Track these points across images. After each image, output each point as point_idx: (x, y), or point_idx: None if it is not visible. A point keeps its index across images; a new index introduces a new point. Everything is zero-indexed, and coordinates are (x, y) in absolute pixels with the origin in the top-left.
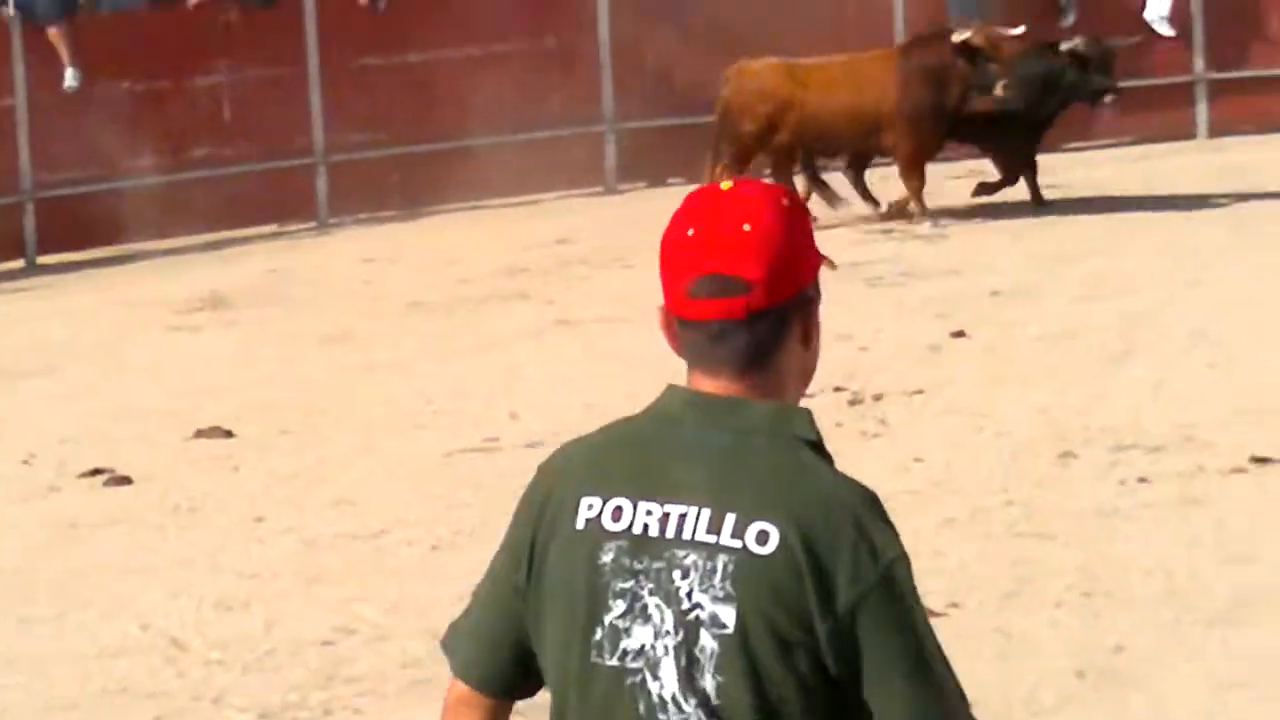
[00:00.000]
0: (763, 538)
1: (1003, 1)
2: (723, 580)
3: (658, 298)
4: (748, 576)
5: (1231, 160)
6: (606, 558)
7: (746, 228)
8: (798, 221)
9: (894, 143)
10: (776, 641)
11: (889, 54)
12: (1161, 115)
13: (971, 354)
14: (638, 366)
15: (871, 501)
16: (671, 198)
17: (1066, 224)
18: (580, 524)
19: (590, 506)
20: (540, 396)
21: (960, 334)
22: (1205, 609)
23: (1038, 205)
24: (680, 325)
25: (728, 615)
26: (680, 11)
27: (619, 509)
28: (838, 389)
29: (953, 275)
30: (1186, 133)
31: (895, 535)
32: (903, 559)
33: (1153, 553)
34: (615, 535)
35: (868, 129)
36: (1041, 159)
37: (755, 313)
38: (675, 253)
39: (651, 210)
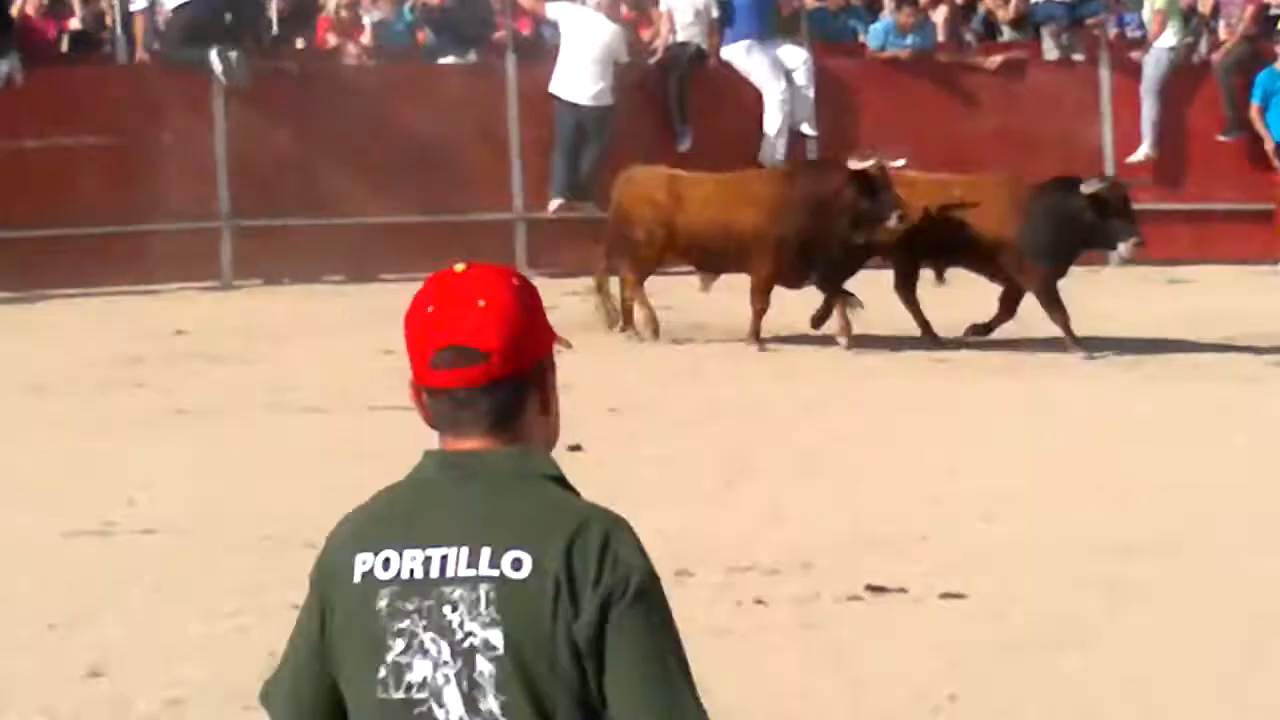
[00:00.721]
0: (517, 564)
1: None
2: (487, 607)
3: (270, 391)
4: (507, 600)
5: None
6: (382, 603)
7: (482, 303)
8: (529, 299)
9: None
10: (543, 656)
11: (775, 175)
12: None
13: (587, 469)
14: (253, 457)
15: (620, 523)
16: (286, 295)
17: (684, 345)
18: (357, 579)
19: (364, 562)
20: (157, 483)
21: (577, 448)
22: None
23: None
24: (428, 395)
25: (496, 638)
26: (300, 115)
27: (388, 560)
28: None
29: (568, 390)
30: None
31: (643, 554)
32: (650, 574)
33: (769, 674)
34: (387, 583)
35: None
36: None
37: (495, 380)
38: (417, 329)
39: (265, 305)
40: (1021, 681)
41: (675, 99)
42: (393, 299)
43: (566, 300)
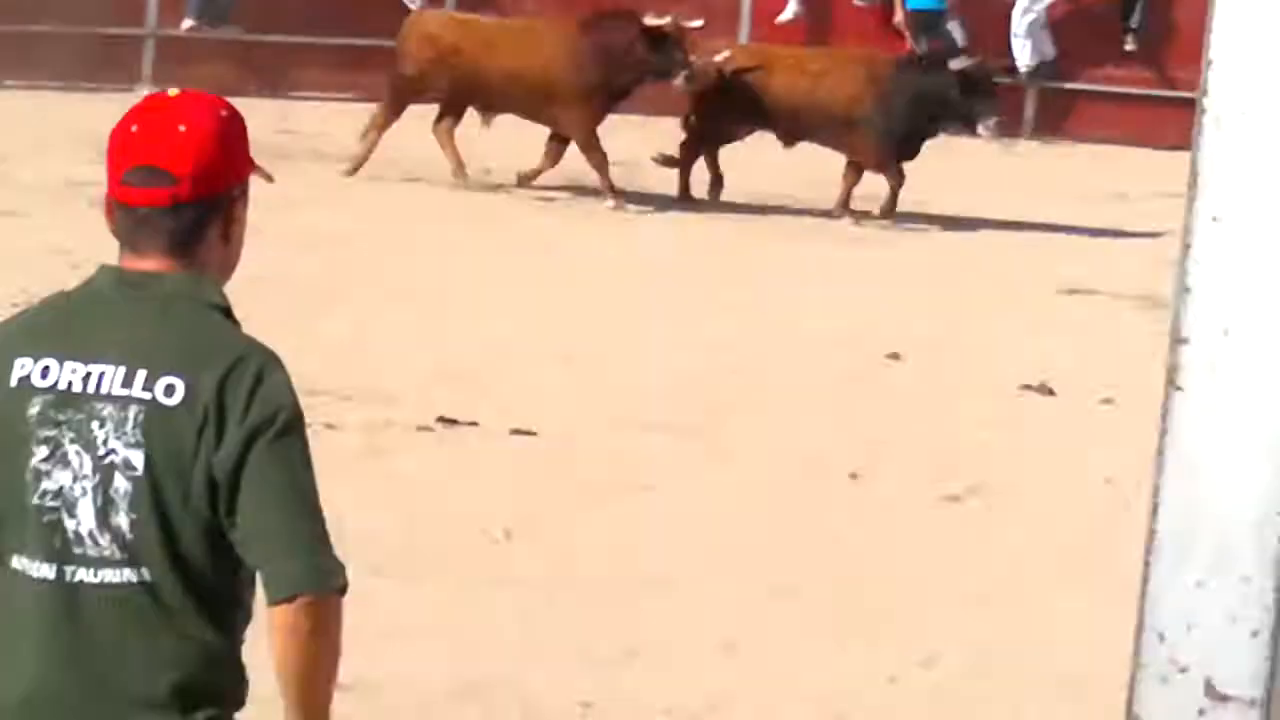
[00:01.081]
0: (170, 390)
1: None
2: (133, 428)
3: None
4: (154, 424)
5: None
6: (33, 410)
7: (182, 128)
8: (231, 130)
9: (560, 116)
10: (180, 483)
11: (566, 23)
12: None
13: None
14: None
15: (274, 360)
16: None
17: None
18: (14, 382)
19: (22, 366)
20: None
21: None
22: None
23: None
24: (116, 208)
25: (137, 459)
26: None
27: (46, 368)
28: None
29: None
30: None
31: (292, 392)
32: (297, 413)
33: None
34: (42, 391)
35: (531, 94)
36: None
37: (180, 203)
38: (117, 145)
39: None
40: (580, 521)
41: None
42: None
43: None
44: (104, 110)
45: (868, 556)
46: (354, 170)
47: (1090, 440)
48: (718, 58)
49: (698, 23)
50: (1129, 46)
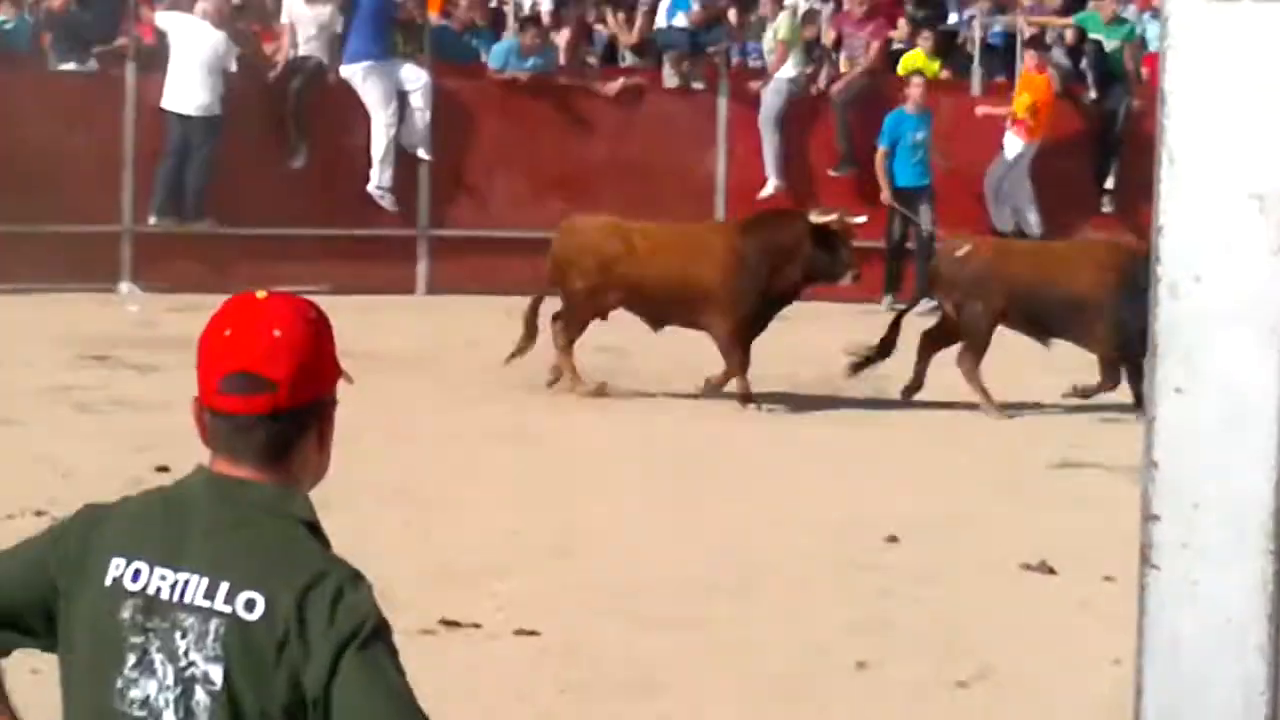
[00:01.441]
0: (250, 605)
1: None
2: (214, 642)
3: None
4: (235, 639)
5: (448, 317)
6: (125, 614)
7: (277, 333)
8: (323, 334)
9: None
10: (260, 700)
11: (727, 226)
12: (384, 269)
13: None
14: None
15: (355, 575)
16: None
17: None
18: (109, 581)
19: (117, 565)
20: None
21: (164, 469)
22: None
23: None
24: (210, 416)
25: (216, 674)
26: None
27: (138, 571)
28: (39, 513)
29: (162, 409)
30: (405, 287)
31: (375, 605)
32: (383, 621)
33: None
34: (133, 595)
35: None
36: None
37: (279, 410)
38: (211, 350)
39: None
40: None
41: (292, 114)
42: None
43: (168, 317)
44: (85, 311)
45: None
46: (553, 382)
47: (1094, 620)
48: (958, 254)
49: (861, 218)
50: (1106, 208)
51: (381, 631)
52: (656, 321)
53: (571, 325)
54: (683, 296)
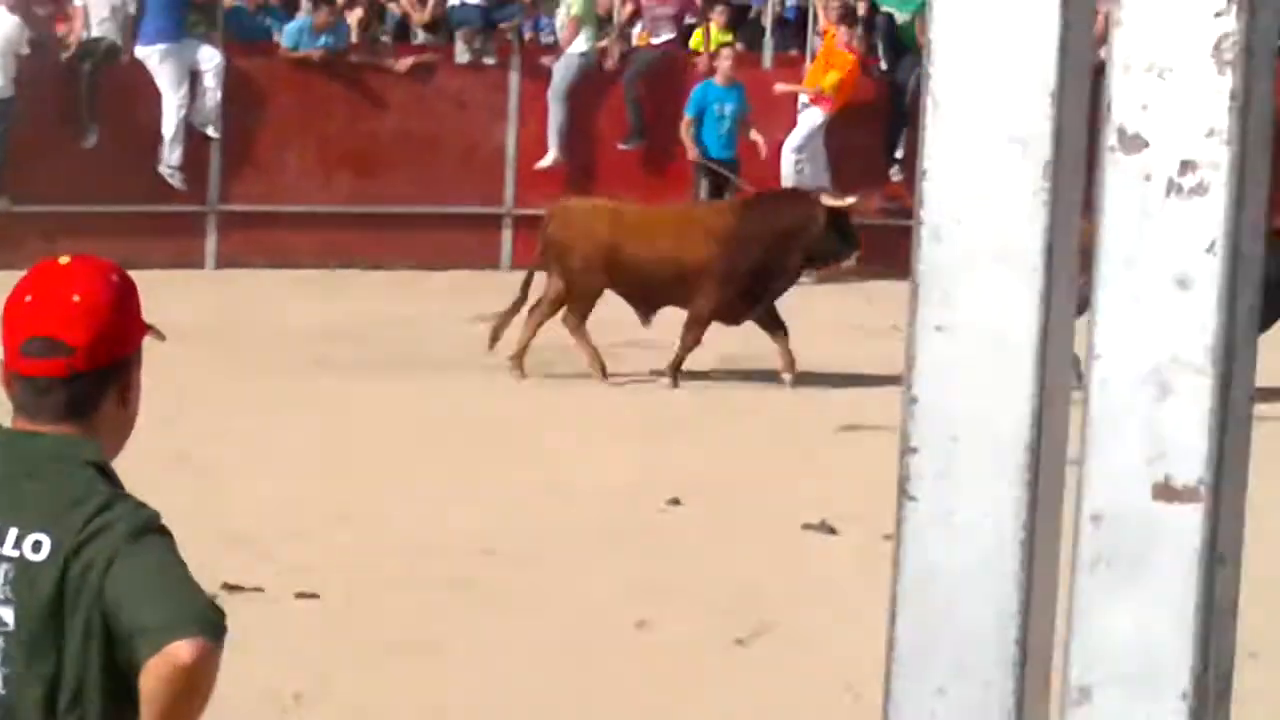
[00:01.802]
0: (37, 546)
1: None
2: (4, 585)
3: None
4: (23, 580)
5: (236, 290)
6: None
7: (76, 299)
8: (126, 296)
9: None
10: (51, 634)
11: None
12: (174, 244)
13: None
14: None
15: (140, 506)
16: None
17: None
18: None
19: None
20: None
21: None
22: None
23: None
24: (14, 379)
25: (8, 615)
26: None
27: None
28: None
29: None
30: (195, 262)
31: (159, 522)
32: (163, 529)
33: None
34: None
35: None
36: None
37: (76, 373)
38: (13, 316)
39: None
40: (369, 683)
41: (84, 95)
42: None
43: None
44: None
45: (659, 705)
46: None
47: (873, 576)
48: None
49: (852, 199)
50: (896, 177)
51: (162, 533)
52: (649, 305)
53: (576, 307)
54: (678, 277)
